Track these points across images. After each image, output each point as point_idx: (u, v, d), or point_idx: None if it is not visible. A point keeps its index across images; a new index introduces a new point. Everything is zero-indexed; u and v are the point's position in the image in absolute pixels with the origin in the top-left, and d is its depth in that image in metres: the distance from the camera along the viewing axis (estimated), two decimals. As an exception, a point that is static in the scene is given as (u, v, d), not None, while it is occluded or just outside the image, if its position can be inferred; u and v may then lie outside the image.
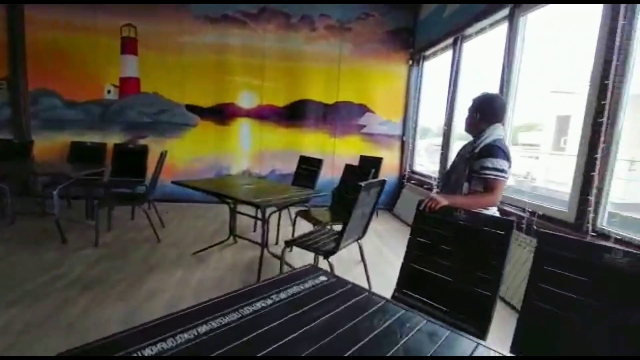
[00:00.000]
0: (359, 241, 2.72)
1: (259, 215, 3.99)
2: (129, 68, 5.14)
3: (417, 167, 5.49)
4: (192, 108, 5.26)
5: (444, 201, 1.68)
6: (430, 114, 5.49)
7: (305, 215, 3.35)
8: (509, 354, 0.90)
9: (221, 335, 0.90)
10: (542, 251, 1.33)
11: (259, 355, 0.83)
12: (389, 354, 0.86)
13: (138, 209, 4.18)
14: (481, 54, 4.14)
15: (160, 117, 5.24)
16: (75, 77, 5.01)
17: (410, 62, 5.36)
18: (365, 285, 2.72)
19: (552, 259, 1.30)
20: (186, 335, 0.89)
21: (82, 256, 3.09)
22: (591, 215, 2.30)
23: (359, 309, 1.09)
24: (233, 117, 5.34)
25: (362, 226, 2.62)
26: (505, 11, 3.31)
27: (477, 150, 1.79)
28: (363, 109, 5.42)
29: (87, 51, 4.99)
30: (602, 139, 2.28)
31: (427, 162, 5.86)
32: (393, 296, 1.75)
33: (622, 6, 2.19)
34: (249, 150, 5.46)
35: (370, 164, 4.35)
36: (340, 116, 5.40)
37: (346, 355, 0.84)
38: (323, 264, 2.47)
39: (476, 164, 1.77)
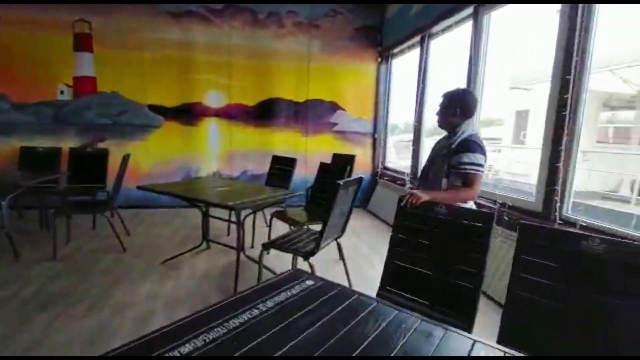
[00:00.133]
0: (338, 240, 2.69)
1: (233, 219, 3.87)
2: (84, 66, 4.78)
3: (389, 164, 5.56)
4: (155, 108, 5.00)
5: (424, 196, 1.69)
6: (398, 111, 5.58)
7: (281, 216, 3.27)
8: (510, 352, 0.89)
9: (208, 354, 0.82)
10: (523, 242, 1.36)
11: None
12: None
13: (100, 217, 3.90)
14: (448, 51, 4.25)
15: (121, 119, 4.93)
16: (24, 76, 4.59)
17: (379, 59, 5.41)
18: (346, 284, 2.70)
19: (533, 249, 1.33)
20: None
21: (38, 271, 2.83)
22: (558, 204, 2.41)
23: (351, 312, 1.05)
24: (200, 117, 5.13)
25: (341, 225, 2.59)
26: (469, 9, 3.40)
27: (454, 146, 1.80)
28: (334, 107, 5.40)
29: (37, 49, 4.58)
30: (565, 131, 2.39)
31: (395, 159, 5.97)
32: (378, 294, 1.73)
33: (580, 5, 2.30)
34: (219, 151, 5.28)
35: (344, 162, 4.33)
36: (311, 114, 5.35)
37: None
38: (302, 265, 2.42)
39: (454, 159, 1.79)
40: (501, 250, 2.69)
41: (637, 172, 5.76)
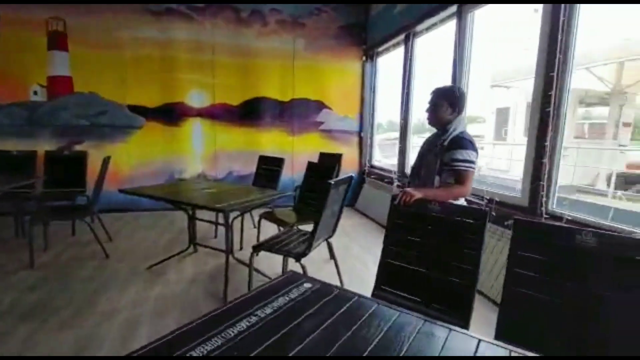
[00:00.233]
0: (329, 240, 2.67)
1: (220, 221, 3.80)
2: (59, 66, 4.59)
3: (376, 162, 5.58)
4: (136, 108, 4.84)
5: (417, 194, 1.68)
6: (383, 109, 5.61)
7: (270, 216, 3.23)
8: (515, 349, 0.88)
9: (207, 366, 0.78)
10: (517, 238, 1.37)
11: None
12: (395, 364, 0.80)
13: (80, 222, 3.74)
14: (434, 49, 4.29)
15: (100, 120, 4.75)
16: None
17: (364, 58, 5.42)
18: (338, 284, 2.68)
19: (528, 244, 1.34)
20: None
21: (15, 280, 2.69)
22: (544, 199, 2.46)
23: (352, 315, 1.02)
24: (183, 117, 5.01)
25: (332, 225, 2.56)
26: (453, 8, 3.44)
27: (446, 143, 1.81)
28: (320, 106, 5.37)
29: (8, 47, 4.36)
30: (550, 127, 2.44)
31: (380, 157, 6.00)
32: (373, 294, 1.72)
33: (562, 5, 2.35)
34: (203, 152, 5.16)
35: (331, 161, 4.32)
36: (297, 113, 5.30)
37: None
38: (293, 266, 2.36)
39: (446, 156, 1.79)
40: (489, 245, 2.72)
41: (612, 166, 5.98)
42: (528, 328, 1.28)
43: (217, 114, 5.10)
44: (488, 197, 2.90)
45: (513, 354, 0.87)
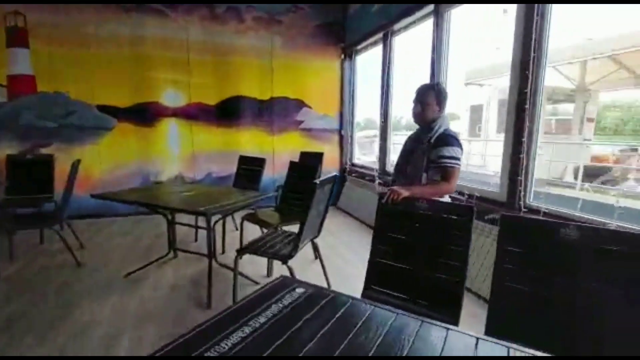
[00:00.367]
0: (314, 240, 2.64)
1: (200, 224, 3.68)
2: (20, 64, 4.30)
3: (357, 160, 5.60)
4: (106, 109, 4.61)
5: (405, 192, 1.68)
6: (360, 107, 5.63)
7: (252, 218, 3.16)
8: (514, 346, 0.89)
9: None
10: (504, 233, 1.39)
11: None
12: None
13: (49, 230, 3.53)
14: (413, 47, 4.34)
15: (67, 121, 4.49)
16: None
17: (342, 56, 5.41)
18: (324, 284, 2.66)
19: (514, 239, 1.36)
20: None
21: (-23, 297, 2.49)
22: (522, 193, 2.54)
23: (349, 320, 1.00)
24: (158, 118, 4.82)
25: (317, 225, 2.54)
26: (430, 7, 3.48)
27: (432, 140, 1.82)
28: (300, 105, 5.32)
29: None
30: (526, 124, 2.52)
31: (359, 154, 6.03)
32: (363, 294, 1.71)
33: (536, 5, 2.42)
34: (180, 153, 5.00)
35: (312, 160, 4.28)
36: (276, 112, 5.22)
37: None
38: (279, 269, 2.31)
39: (433, 153, 1.80)
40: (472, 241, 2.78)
41: (578, 160, 6.29)
42: (518, 322, 1.30)
43: (193, 113, 4.94)
44: (468, 193, 2.96)
45: (512, 352, 0.88)
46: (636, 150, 7.44)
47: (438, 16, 3.38)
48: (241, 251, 2.38)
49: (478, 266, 2.67)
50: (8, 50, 4.22)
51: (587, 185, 5.59)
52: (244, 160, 3.92)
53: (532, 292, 1.29)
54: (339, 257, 3.37)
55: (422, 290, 1.63)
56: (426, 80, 3.56)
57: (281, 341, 0.89)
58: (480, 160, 7.29)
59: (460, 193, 3.03)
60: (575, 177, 6.06)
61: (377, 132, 4.76)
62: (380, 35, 4.45)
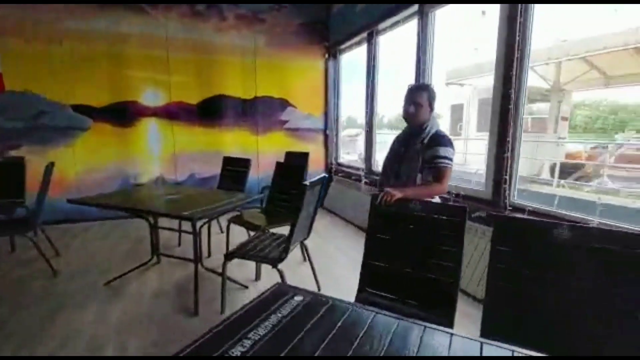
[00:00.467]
0: (303, 241, 2.61)
1: (184, 228, 3.57)
2: (-16, 61, 4.04)
3: (342, 160, 5.59)
4: (81, 108, 4.40)
5: (398, 194, 1.67)
6: (343, 105, 5.61)
7: (239, 220, 3.09)
8: (518, 350, 0.88)
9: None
10: (498, 234, 1.40)
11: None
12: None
13: (21, 238, 3.34)
14: (397, 47, 4.36)
15: (39, 121, 4.26)
16: None
17: (327, 55, 5.38)
18: (314, 286, 2.63)
19: (507, 240, 1.38)
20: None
21: (-58, 311, 2.32)
22: (507, 192, 2.59)
23: (352, 329, 0.98)
24: (137, 117, 4.65)
25: (307, 226, 2.50)
26: (414, 7, 3.50)
27: (425, 141, 1.82)
28: (284, 104, 5.25)
29: None
30: (510, 123, 2.57)
31: (342, 153, 6.03)
32: (357, 297, 1.69)
33: (519, 5, 2.46)
34: (160, 154, 4.84)
35: (298, 160, 4.24)
36: (261, 112, 5.14)
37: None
38: (268, 272, 2.26)
39: (427, 154, 1.80)
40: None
41: (554, 158, 6.52)
42: (514, 323, 1.31)
43: (174, 113, 4.80)
44: (455, 192, 2.99)
45: (516, 354, 0.88)
46: (606, 147, 7.79)
47: (423, 16, 3.40)
48: (229, 256, 2.32)
49: (465, 263, 2.70)
50: (-29, 46, 3.97)
51: (563, 182, 5.80)
52: (228, 161, 3.83)
53: (527, 292, 1.31)
54: (328, 258, 3.35)
55: (416, 291, 1.62)
56: (411, 79, 3.58)
57: (284, 354, 0.86)
58: (462, 158, 7.43)
59: (447, 192, 3.07)
60: (552, 174, 6.27)
61: (358, 130, 4.77)
62: (364, 34, 4.44)
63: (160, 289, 2.70)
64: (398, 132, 2.18)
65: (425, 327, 0.98)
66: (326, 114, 5.51)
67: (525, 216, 2.36)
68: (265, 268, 2.76)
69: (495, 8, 2.70)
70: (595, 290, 1.20)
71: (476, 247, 2.66)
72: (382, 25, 4.14)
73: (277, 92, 5.20)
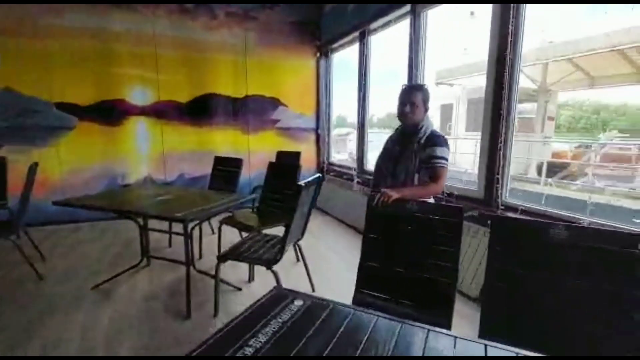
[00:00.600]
0: (298, 242, 2.59)
1: (175, 229, 3.51)
2: (-37, 57, 3.89)
3: (334, 159, 5.58)
4: (66, 107, 4.28)
5: (395, 194, 1.66)
6: (335, 105, 5.60)
7: (231, 221, 3.04)
8: (522, 352, 0.88)
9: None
10: (495, 235, 1.41)
11: None
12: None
13: (3, 241, 3.22)
14: (389, 46, 4.36)
15: (21, 121, 4.12)
16: None
17: (318, 54, 5.35)
18: (308, 287, 2.61)
19: (505, 241, 1.38)
20: None
21: None
22: (500, 191, 2.61)
23: (355, 334, 0.96)
24: (124, 116, 4.54)
25: (301, 227, 2.48)
26: (407, 7, 3.50)
27: (422, 141, 1.81)
28: (276, 103, 5.20)
29: None
30: (502, 124, 2.59)
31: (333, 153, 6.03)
32: (354, 298, 1.68)
33: (511, 5, 2.48)
34: (149, 153, 4.74)
35: (289, 159, 4.21)
36: (252, 111, 5.08)
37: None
38: (263, 273, 2.23)
39: (424, 154, 1.80)
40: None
41: (541, 157, 6.64)
42: (511, 323, 1.32)
43: (163, 111, 4.70)
44: (448, 192, 3.01)
45: (520, 355, 0.87)
46: (589, 147, 7.98)
47: (415, 16, 3.41)
48: (223, 257, 2.28)
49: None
50: (-51, 41, 3.81)
51: (550, 180, 5.92)
52: (219, 161, 3.77)
53: (525, 292, 1.31)
54: (321, 258, 3.33)
55: (414, 292, 1.62)
56: (403, 79, 3.58)
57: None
58: (451, 158, 7.51)
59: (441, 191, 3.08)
60: (539, 173, 6.39)
61: (349, 130, 4.77)
62: (356, 34, 4.43)
63: (151, 292, 2.64)
64: (389, 130, 2.17)
65: (428, 330, 0.98)
66: (318, 113, 5.49)
67: (519, 216, 2.38)
68: (259, 269, 2.73)
69: (485, 9, 2.72)
70: (592, 290, 1.21)
71: (469, 246, 2.68)
72: (374, 25, 4.14)
73: (269, 91, 5.15)
